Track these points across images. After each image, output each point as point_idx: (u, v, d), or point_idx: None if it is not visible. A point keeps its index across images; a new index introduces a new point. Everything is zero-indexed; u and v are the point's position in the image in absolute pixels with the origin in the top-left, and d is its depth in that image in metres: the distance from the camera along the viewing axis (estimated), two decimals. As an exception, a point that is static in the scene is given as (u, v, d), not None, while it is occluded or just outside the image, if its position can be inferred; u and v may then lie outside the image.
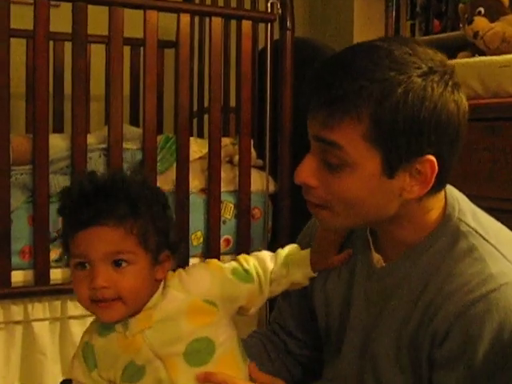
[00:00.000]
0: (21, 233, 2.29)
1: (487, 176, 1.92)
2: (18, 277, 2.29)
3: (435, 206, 1.16)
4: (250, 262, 1.26)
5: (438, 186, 1.13)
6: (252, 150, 2.69)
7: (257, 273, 1.24)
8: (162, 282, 1.21)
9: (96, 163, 2.37)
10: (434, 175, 1.09)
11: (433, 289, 1.11)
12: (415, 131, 1.05)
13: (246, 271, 1.24)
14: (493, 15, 2.34)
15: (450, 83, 1.08)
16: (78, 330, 2.33)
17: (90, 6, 2.34)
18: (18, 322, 2.30)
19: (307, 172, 1.12)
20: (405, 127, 1.04)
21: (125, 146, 2.41)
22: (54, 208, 2.30)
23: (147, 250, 1.17)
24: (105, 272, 1.15)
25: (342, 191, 1.09)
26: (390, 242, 1.20)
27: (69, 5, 2.34)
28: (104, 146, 2.40)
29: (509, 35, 2.22)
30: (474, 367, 1.04)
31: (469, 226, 1.14)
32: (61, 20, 2.49)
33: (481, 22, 2.37)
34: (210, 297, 1.19)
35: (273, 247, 2.65)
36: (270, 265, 1.27)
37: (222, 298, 1.20)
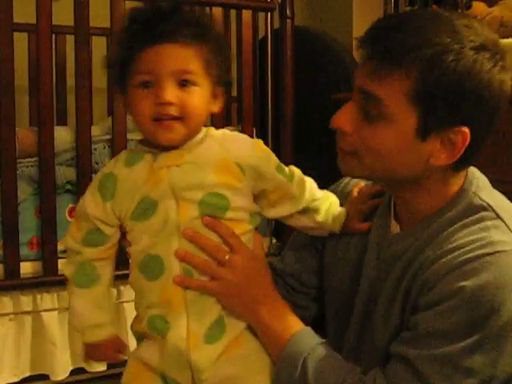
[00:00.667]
0: (28, 224, 2.32)
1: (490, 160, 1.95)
2: (26, 268, 2.32)
3: (455, 181, 1.19)
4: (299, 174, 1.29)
5: (463, 164, 1.16)
6: (254, 137, 2.71)
7: (299, 182, 1.27)
8: (204, 130, 1.24)
9: (101, 154, 2.40)
10: (464, 148, 1.11)
11: (432, 247, 1.15)
12: (456, 100, 1.08)
13: (291, 172, 1.27)
14: (491, 0, 2.36)
15: (500, 63, 1.11)
16: (86, 319, 2.36)
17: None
18: (27, 313, 2.33)
19: (345, 118, 1.16)
20: (447, 94, 1.08)
21: (129, 136, 2.44)
22: (60, 199, 2.34)
23: (210, 76, 1.20)
24: (172, 88, 1.16)
25: (374, 142, 1.13)
26: (407, 212, 1.23)
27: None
28: (108, 137, 2.43)
29: (507, 19, 2.24)
30: (451, 317, 1.07)
31: (483, 200, 1.17)
32: (61, 13, 2.52)
33: (479, 7, 2.39)
34: (243, 162, 1.21)
35: (277, 234, 2.69)
36: (319, 195, 1.30)
37: (253, 169, 1.21)
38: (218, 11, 2.60)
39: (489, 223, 1.13)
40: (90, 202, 1.24)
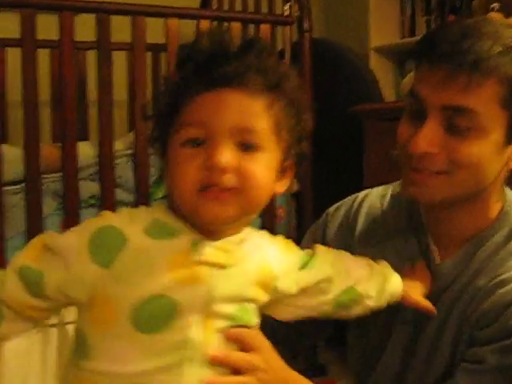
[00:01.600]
0: (54, 239, 2.34)
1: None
2: (51, 281, 2.34)
3: (501, 198, 1.19)
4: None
5: None
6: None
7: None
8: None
9: (124, 169, 2.43)
10: None
11: (484, 276, 1.13)
12: None
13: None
14: (509, 10, 2.36)
15: None
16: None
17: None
18: (53, 326, 2.35)
19: (428, 140, 1.09)
20: None
21: (151, 151, 2.46)
22: (84, 213, 2.37)
23: (280, 141, 0.93)
24: (229, 150, 0.88)
25: (469, 156, 1.08)
26: (446, 235, 1.20)
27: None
28: (131, 151, 2.46)
29: None
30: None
31: None
32: (80, 29, 2.55)
33: (496, 17, 2.39)
34: (281, 285, 1.00)
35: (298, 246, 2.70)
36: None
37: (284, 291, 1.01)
38: (236, 26, 2.63)
39: None
40: (71, 250, 0.89)
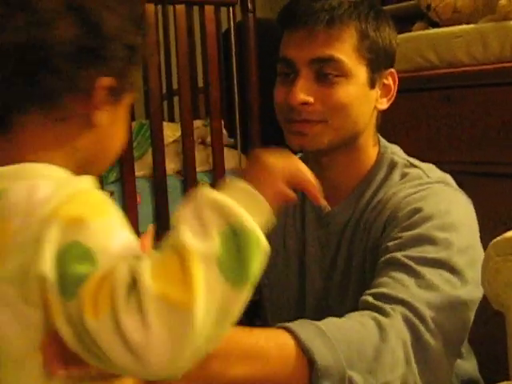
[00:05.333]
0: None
1: (446, 142, 2.04)
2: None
3: (376, 142, 1.33)
4: None
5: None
6: (223, 129, 2.79)
7: None
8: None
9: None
10: (396, 88, 1.31)
11: (374, 208, 1.26)
12: (388, 45, 1.28)
13: None
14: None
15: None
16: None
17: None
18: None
19: (303, 90, 1.22)
20: (384, 43, 1.27)
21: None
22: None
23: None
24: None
25: (340, 99, 1.22)
26: (332, 187, 1.28)
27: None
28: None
29: (460, 5, 2.31)
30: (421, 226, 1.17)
31: (400, 157, 1.31)
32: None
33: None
34: None
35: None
36: None
37: None
38: (180, 8, 2.66)
39: (413, 175, 1.27)
40: None
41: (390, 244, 1.17)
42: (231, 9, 2.82)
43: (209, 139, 2.76)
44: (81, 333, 0.65)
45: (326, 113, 1.23)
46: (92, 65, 0.73)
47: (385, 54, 1.28)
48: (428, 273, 1.12)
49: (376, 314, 1.06)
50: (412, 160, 1.32)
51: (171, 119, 3.30)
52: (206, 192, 0.71)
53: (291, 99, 1.22)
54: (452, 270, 1.14)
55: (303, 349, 0.97)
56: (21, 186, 0.70)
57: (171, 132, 2.71)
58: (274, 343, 0.97)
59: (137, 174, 2.56)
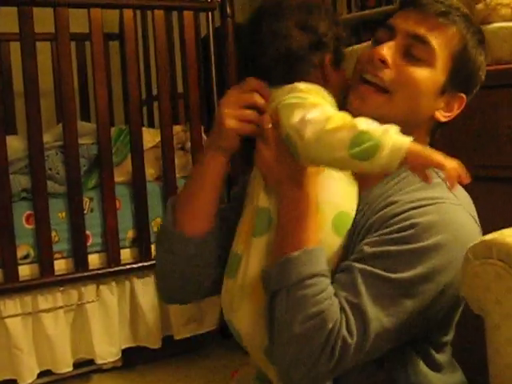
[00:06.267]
0: (-13, 233, 2.35)
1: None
2: (-13, 276, 2.36)
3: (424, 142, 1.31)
4: None
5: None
6: (203, 135, 2.78)
7: None
8: None
9: (54, 160, 2.44)
10: (457, 113, 1.31)
11: (383, 200, 1.25)
12: (475, 71, 1.30)
13: None
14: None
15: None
16: (50, 322, 2.43)
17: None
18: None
19: (387, 50, 1.26)
20: (473, 65, 1.29)
21: (80, 141, 2.48)
22: (16, 207, 2.37)
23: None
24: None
25: (413, 79, 1.24)
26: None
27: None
28: (60, 143, 2.47)
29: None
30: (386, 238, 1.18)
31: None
32: (3, 20, 2.54)
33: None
34: None
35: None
36: None
37: None
38: (160, 14, 2.65)
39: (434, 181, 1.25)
40: None
41: (365, 248, 1.18)
42: (210, 14, 2.82)
43: (188, 144, 2.76)
44: None
45: (394, 83, 1.25)
46: (319, 50, 1.24)
47: (469, 75, 1.30)
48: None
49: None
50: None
51: (151, 125, 3.30)
52: None
53: (374, 50, 1.26)
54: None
55: None
56: None
57: (151, 137, 2.71)
58: None
59: (116, 179, 2.56)
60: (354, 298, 1.14)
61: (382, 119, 1.13)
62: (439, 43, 1.25)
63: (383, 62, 1.25)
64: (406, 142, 1.02)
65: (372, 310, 1.13)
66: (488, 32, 1.91)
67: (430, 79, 1.25)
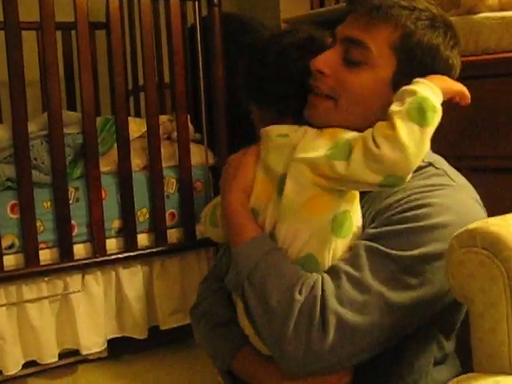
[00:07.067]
0: (-28, 222, 2.34)
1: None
2: (-29, 266, 2.34)
3: None
4: None
5: None
6: (189, 124, 2.77)
7: None
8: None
9: (39, 150, 2.42)
10: None
11: (379, 200, 1.28)
12: (432, 53, 1.25)
13: None
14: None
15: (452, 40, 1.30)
16: (35, 312, 2.41)
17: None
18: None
19: (325, 62, 1.26)
20: (423, 50, 1.25)
21: (65, 131, 2.47)
22: (1, 196, 2.36)
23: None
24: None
25: (354, 85, 1.24)
26: None
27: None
28: (45, 132, 2.45)
29: (424, 0, 2.32)
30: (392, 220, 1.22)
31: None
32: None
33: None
34: None
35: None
36: None
37: None
38: (146, 2, 2.63)
39: (432, 172, 1.29)
40: None
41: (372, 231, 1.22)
42: (197, 3, 2.80)
43: (175, 134, 2.75)
44: None
45: (335, 91, 1.25)
46: None
47: (424, 66, 1.25)
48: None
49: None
50: (436, 159, 1.35)
51: (137, 114, 3.28)
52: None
53: (311, 63, 1.27)
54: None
55: None
56: None
57: (137, 127, 2.69)
58: None
59: (102, 169, 2.54)
60: (355, 271, 1.17)
61: (335, 123, 1.24)
62: (375, 40, 1.23)
63: (321, 72, 1.26)
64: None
65: (374, 283, 1.16)
66: (475, 22, 1.91)
67: (371, 80, 1.24)
